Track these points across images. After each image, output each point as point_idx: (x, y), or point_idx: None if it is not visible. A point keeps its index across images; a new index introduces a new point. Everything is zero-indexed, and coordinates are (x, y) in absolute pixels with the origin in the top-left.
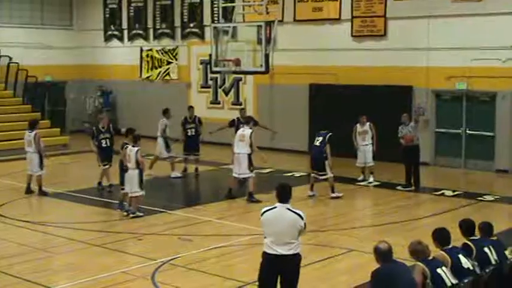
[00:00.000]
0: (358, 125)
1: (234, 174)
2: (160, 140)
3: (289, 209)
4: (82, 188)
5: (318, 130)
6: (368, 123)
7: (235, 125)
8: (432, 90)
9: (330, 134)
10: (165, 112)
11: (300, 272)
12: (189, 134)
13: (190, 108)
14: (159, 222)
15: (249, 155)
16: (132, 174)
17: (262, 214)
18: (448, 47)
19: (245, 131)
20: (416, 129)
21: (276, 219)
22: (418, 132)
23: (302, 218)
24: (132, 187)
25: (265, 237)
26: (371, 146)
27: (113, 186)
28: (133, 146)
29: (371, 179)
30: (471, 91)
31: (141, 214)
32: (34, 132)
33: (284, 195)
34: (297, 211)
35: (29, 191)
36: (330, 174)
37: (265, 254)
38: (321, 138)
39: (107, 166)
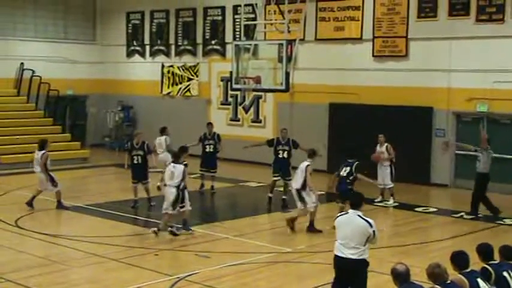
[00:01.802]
0: (378, 145)
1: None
2: (164, 155)
3: (359, 216)
4: (101, 202)
5: (344, 158)
6: (386, 145)
7: (274, 145)
8: (453, 112)
9: (357, 162)
10: (163, 130)
11: (366, 277)
12: (207, 150)
13: (209, 124)
14: (176, 238)
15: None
16: (169, 191)
17: (335, 218)
18: (470, 69)
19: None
20: (488, 157)
21: (346, 224)
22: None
23: (371, 226)
24: (166, 204)
25: (336, 240)
26: (388, 168)
27: (138, 203)
28: (175, 163)
29: (390, 201)
30: (492, 113)
31: (178, 233)
32: (42, 152)
33: (356, 202)
34: (367, 219)
35: (30, 203)
36: None
37: (334, 256)
38: (348, 169)
39: (135, 184)
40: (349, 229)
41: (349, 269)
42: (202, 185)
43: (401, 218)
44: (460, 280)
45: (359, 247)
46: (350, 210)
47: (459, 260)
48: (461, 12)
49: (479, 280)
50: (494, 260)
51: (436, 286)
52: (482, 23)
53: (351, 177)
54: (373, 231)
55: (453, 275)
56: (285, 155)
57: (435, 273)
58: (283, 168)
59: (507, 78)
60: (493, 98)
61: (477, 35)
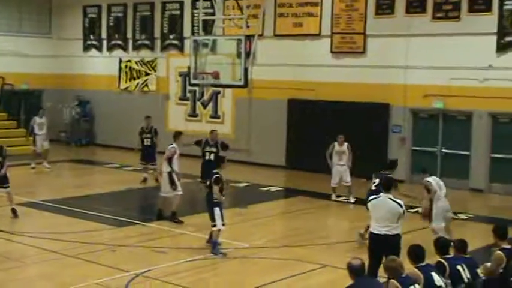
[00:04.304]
0: (336, 144)
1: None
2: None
3: (391, 199)
4: (57, 198)
5: (376, 170)
6: (346, 144)
7: (201, 145)
8: (410, 109)
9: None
10: (38, 111)
11: (401, 248)
12: (145, 143)
13: (147, 118)
14: (133, 234)
15: (169, 173)
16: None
17: (369, 201)
18: (426, 66)
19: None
20: None
21: (379, 206)
22: None
23: (402, 207)
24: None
25: (371, 220)
26: (347, 166)
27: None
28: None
29: (351, 199)
30: (448, 110)
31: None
32: None
33: (388, 186)
34: (398, 200)
35: None
36: None
37: (371, 233)
38: (377, 181)
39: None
40: (383, 210)
41: (386, 244)
42: (145, 179)
43: (358, 213)
44: (414, 274)
45: (392, 225)
46: (382, 194)
47: (414, 253)
48: (418, 10)
49: (433, 274)
50: (450, 254)
51: (392, 280)
52: (438, 20)
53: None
54: (403, 210)
55: (409, 268)
56: (211, 157)
57: (391, 267)
58: (209, 171)
59: (463, 75)
60: (448, 95)
61: (433, 32)
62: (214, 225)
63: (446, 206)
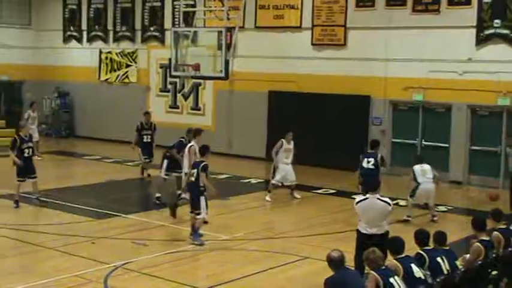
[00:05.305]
0: (284, 142)
1: None
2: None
3: (379, 199)
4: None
5: (363, 151)
6: (292, 142)
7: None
8: (390, 101)
9: (380, 154)
10: (31, 105)
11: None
12: (145, 140)
13: (147, 113)
14: (113, 226)
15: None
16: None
17: (356, 203)
18: (406, 58)
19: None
20: None
21: (369, 208)
22: None
23: (390, 205)
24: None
25: (359, 220)
26: (291, 165)
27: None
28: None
29: (297, 195)
30: (428, 102)
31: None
32: None
33: (374, 186)
34: (385, 199)
35: None
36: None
37: (360, 232)
38: (372, 160)
39: (22, 182)
40: (372, 212)
41: (374, 241)
42: (148, 174)
43: (338, 205)
44: (394, 265)
45: (381, 224)
46: (368, 195)
47: (394, 245)
48: (398, 2)
49: (412, 265)
50: (429, 246)
51: (372, 272)
52: (418, 13)
53: (379, 168)
54: (392, 207)
55: (389, 260)
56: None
57: (370, 259)
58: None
59: (442, 68)
60: (428, 87)
61: (413, 25)
62: (198, 214)
63: (426, 192)
